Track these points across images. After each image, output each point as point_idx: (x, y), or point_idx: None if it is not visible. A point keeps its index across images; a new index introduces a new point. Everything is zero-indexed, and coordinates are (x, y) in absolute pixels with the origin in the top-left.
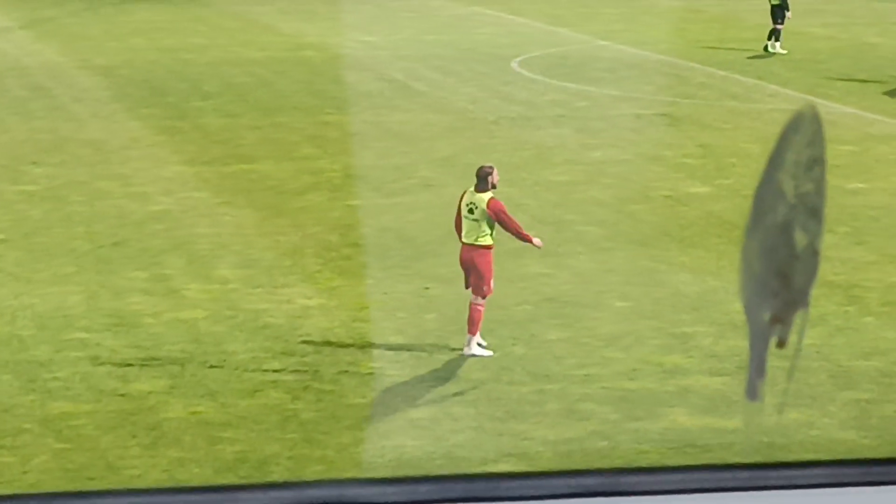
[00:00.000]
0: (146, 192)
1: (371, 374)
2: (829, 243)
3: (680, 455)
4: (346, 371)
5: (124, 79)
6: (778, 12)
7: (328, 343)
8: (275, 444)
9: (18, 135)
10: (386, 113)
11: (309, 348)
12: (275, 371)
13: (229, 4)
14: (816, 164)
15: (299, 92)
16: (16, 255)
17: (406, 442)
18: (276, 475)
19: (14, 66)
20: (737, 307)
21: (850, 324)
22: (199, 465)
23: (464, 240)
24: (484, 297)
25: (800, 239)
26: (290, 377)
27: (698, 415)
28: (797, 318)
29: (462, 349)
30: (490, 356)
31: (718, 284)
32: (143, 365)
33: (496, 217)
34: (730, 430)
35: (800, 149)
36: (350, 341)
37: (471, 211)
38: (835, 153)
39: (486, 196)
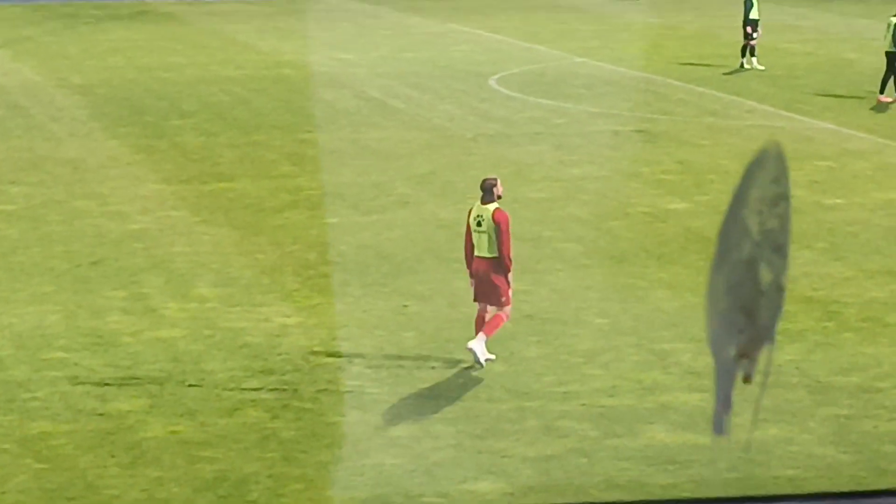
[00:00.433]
0: (124, 210)
1: (350, 392)
2: (808, 259)
3: (660, 472)
4: (325, 389)
5: (102, 97)
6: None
7: (307, 361)
8: (254, 462)
9: None
10: (363, 130)
11: (288, 367)
12: (254, 390)
13: (207, 23)
14: (781, 200)
15: (277, 110)
16: None
17: (385, 460)
18: (256, 494)
19: None
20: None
21: (828, 339)
22: (179, 484)
23: (476, 253)
24: (504, 307)
25: (765, 275)
26: (269, 396)
27: (678, 431)
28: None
29: (468, 361)
30: (482, 368)
31: (697, 301)
32: (121, 384)
33: (498, 226)
34: (709, 447)
35: (764, 185)
36: (329, 359)
37: (479, 224)
38: (812, 169)
39: (492, 207)
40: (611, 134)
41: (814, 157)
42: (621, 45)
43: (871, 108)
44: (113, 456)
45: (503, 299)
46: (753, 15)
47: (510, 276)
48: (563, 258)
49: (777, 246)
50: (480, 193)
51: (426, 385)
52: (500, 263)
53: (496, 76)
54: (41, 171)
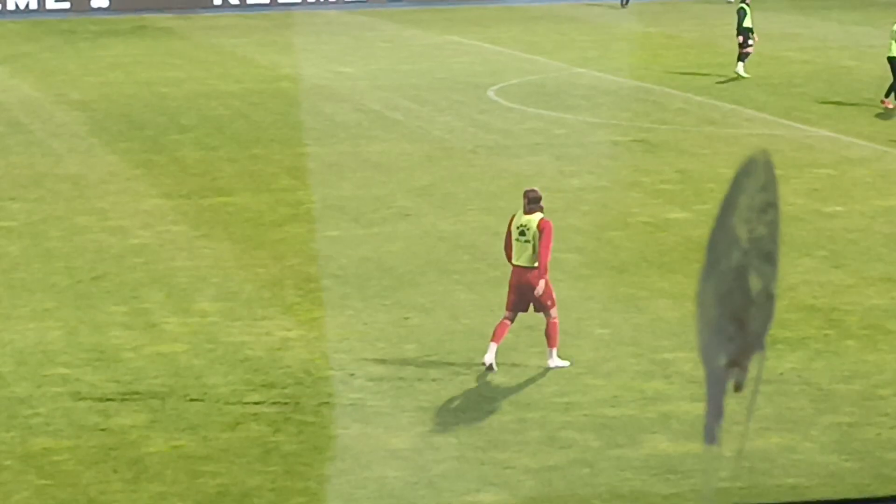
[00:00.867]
0: (124, 226)
1: (352, 405)
2: (808, 267)
3: (662, 482)
4: (327, 402)
5: (101, 113)
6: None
7: (308, 374)
8: (256, 476)
9: None
10: (363, 143)
11: (289, 380)
12: (255, 403)
13: (205, 37)
14: (770, 208)
15: (276, 123)
16: None
17: (388, 473)
18: None
19: None
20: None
21: (830, 347)
22: (182, 499)
23: (516, 263)
24: (552, 310)
25: (754, 283)
26: (270, 409)
27: (680, 441)
28: (753, 362)
29: (482, 365)
30: (567, 366)
31: None
32: (123, 399)
33: (542, 232)
34: (707, 456)
35: (753, 193)
36: (330, 372)
37: (522, 233)
38: (812, 176)
39: (537, 217)
40: (610, 144)
41: (813, 165)
42: (620, 54)
43: (877, 115)
44: (115, 471)
45: (549, 302)
46: (747, 24)
47: (543, 279)
48: (564, 269)
49: (766, 254)
50: (524, 202)
51: (428, 397)
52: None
53: (495, 87)
54: (41, 187)
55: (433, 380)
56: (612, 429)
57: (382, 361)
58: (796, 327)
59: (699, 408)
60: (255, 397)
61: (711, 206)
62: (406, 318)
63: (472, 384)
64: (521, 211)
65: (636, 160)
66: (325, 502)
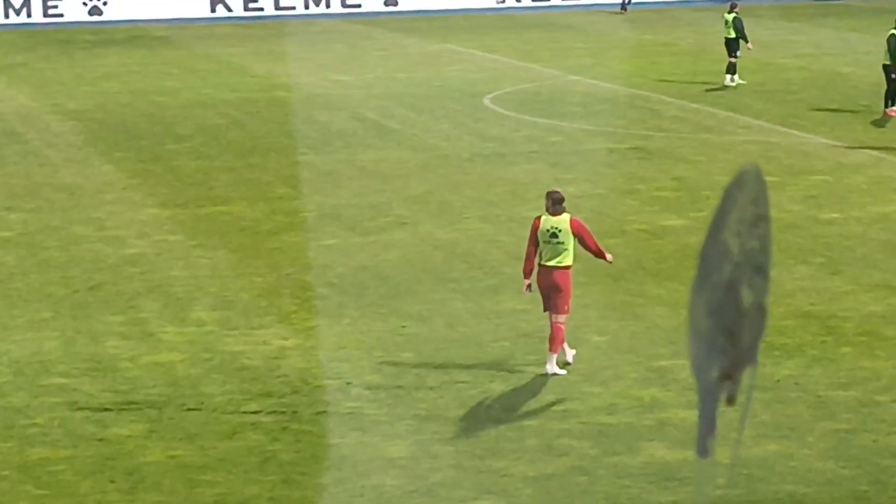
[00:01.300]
0: (121, 235)
1: (349, 413)
2: (805, 274)
3: (660, 489)
4: (325, 411)
5: (97, 123)
6: (733, 45)
7: (306, 383)
8: (254, 485)
9: None
10: (359, 152)
11: (287, 389)
12: (253, 413)
13: (201, 46)
14: (761, 221)
15: (272, 132)
16: None
17: (385, 481)
18: None
19: None
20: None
21: (827, 354)
22: None
23: (545, 263)
24: (566, 315)
25: (746, 296)
26: (268, 418)
27: (677, 448)
28: (746, 375)
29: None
30: (565, 374)
31: None
32: (120, 409)
33: (580, 234)
34: (709, 463)
35: (744, 206)
36: (327, 381)
37: (554, 235)
38: (808, 183)
39: (567, 217)
40: (606, 152)
41: (809, 172)
42: (615, 62)
43: (872, 122)
44: (113, 481)
45: (566, 307)
46: (730, 34)
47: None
48: None
49: (758, 267)
50: (548, 205)
51: (425, 406)
52: (571, 272)
53: (491, 95)
54: (38, 197)
55: (430, 388)
56: (610, 436)
57: (379, 370)
58: (793, 334)
59: (696, 415)
60: (253, 406)
61: (708, 214)
62: (403, 327)
63: (470, 392)
64: (545, 214)
65: (632, 168)
66: None
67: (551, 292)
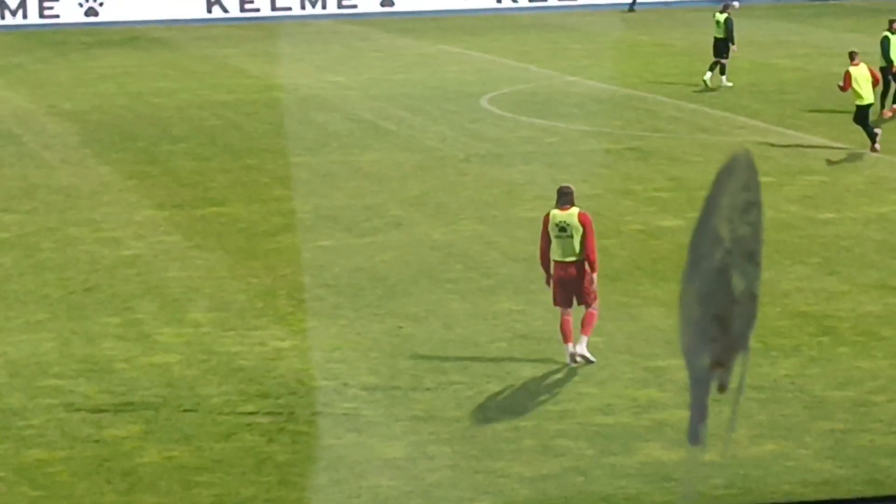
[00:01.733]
0: (117, 237)
1: (346, 414)
2: (801, 274)
3: (656, 489)
4: (321, 412)
5: (93, 124)
6: (722, 45)
7: (302, 384)
8: (251, 487)
9: None
10: (356, 153)
11: (283, 390)
12: (249, 414)
13: (197, 48)
14: (752, 207)
15: (269, 134)
16: None
17: (382, 482)
18: None
19: None
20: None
21: (823, 354)
22: None
23: (560, 259)
24: (594, 303)
25: (737, 283)
26: (264, 419)
27: (674, 448)
28: (737, 362)
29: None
30: (594, 361)
31: None
32: (117, 410)
33: (585, 227)
34: (705, 463)
35: (735, 193)
36: (324, 382)
37: (563, 229)
38: (805, 183)
39: (575, 211)
40: (603, 152)
41: (806, 172)
42: (612, 63)
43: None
44: (109, 482)
45: (592, 296)
46: (719, 35)
47: (595, 274)
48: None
49: (749, 253)
50: (557, 199)
51: (422, 406)
52: (585, 264)
53: (487, 96)
54: (34, 198)
55: (427, 389)
56: (606, 437)
57: (376, 371)
58: (790, 334)
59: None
60: (249, 407)
61: None
62: (399, 328)
63: (466, 393)
64: (554, 209)
65: (628, 168)
66: None
67: (572, 286)
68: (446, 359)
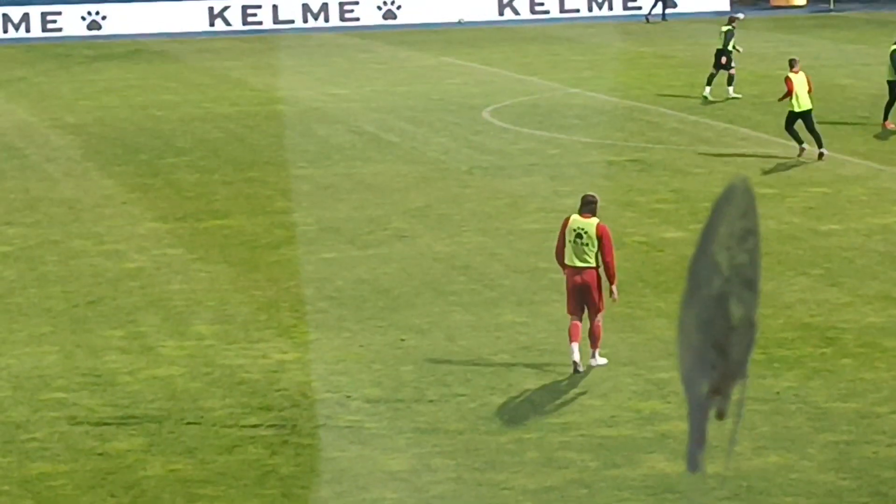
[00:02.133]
0: (120, 249)
1: (349, 427)
2: (804, 285)
3: (660, 501)
4: (324, 425)
5: (96, 137)
6: (721, 57)
7: (305, 397)
8: (254, 499)
9: None
10: (358, 165)
11: (286, 403)
12: (252, 426)
13: (200, 60)
14: (750, 235)
15: (271, 146)
16: None
17: (386, 494)
18: None
19: None
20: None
21: (826, 366)
22: None
23: (573, 264)
24: (602, 312)
25: (736, 311)
26: (268, 432)
27: (678, 460)
28: (736, 390)
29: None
30: (605, 363)
31: None
32: (120, 423)
33: (601, 239)
34: (709, 476)
35: (733, 220)
36: (327, 395)
37: (579, 236)
38: (807, 195)
39: (594, 221)
40: (605, 164)
41: (808, 184)
42: (613, 74)
43: (875, 136)
44: (113, 496)
45: (601, 304)
46: (728, 46)
47: (614, 285)
48: (560, 289)
49: (747, 281)
50: (579, 206)
51: (425, 419)
52: (599, 271)
53: (490, 108)
54: (37, 211)
55: (430, 401)
56: (610, 449)
57: (379, 383)
58: (793, 346)
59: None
60: (252, 420)
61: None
62: (402, 340)
63: (469, 405)
64: (576, 214)
65: (631, 180)
66: None
67: (583, 292)
68: (449, 371)
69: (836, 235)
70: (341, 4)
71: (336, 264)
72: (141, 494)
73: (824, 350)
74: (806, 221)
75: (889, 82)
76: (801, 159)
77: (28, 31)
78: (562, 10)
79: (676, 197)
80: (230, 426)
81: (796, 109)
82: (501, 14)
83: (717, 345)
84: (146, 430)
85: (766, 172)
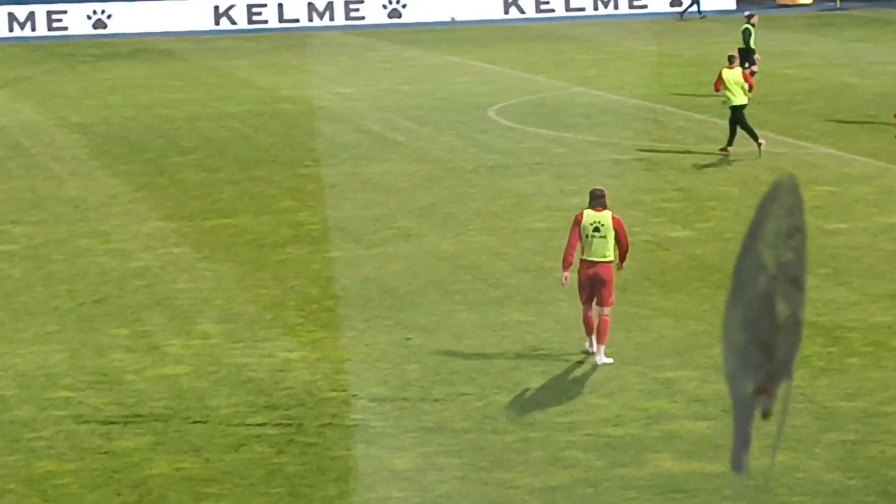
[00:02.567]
0: (126, 248)
1: (355, 425)
2: (811, 284)
3: (667, 501)
4: (330, 423)
5: (102, 136)
6: (742, 56)
7: (311, 396)
8: (260, 498)
9: None
10: (364, 164)
11: (292, 401)
12: (258, 425)
13: (206, 59)
14: (797, 232)
15: (277, 145)
16: None
17: (391, 493)
18: None
19: None
20: (719, 350)
21: (833, 365)
22: None
23: (590, 258)
24: (611, 307)
25: (782, 309)
26: (273, 431)
27: (684, 460)
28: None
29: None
30: (612, 363)
31: (701, 328)
32: (126, 422)
33: (618, 229)
34: (716, 475)
35: (779, 218)
36: (333, 393)
37: (597, 230)
38: (814, 194)
39: (609, 213)
40: (611, 163)
41: (815, 183)
42: (619, 73)
43: (878, 132)
44: (119, 494)
45: (611, 298)
46: (751, 44)
47: (624, 263)
48: (566, 289)
49: (793, 279)
50: (589, 201)
51: (430, 418)
52: (613, 266)
53: (495, 107)
54: (43, 210)
55: (436, 400)
56: (616, 448)
57: (385, 382)
58: None
59: (703, 426)
60: (258, 419)
61: (713, 225)
62: (408, 339)
63: (475, 404)
64: (587, 209)
65: (637, 179)
66: None
67: (596, 285)
68: (455, 370)
69: (843, 235)
70: (347, 3)
71: (342, 263)
72: (147, 493)
73: (831, 349)
74: (813, 220)
75: None
76: (760, 149)
77: (34, 29)
78: (567, 9)
79: (682, 196)
80: (236, 425)
81: (732, 104)
82: (507, 13)
83: (763, 344)
84: (152, 428)
85: (772, 171)
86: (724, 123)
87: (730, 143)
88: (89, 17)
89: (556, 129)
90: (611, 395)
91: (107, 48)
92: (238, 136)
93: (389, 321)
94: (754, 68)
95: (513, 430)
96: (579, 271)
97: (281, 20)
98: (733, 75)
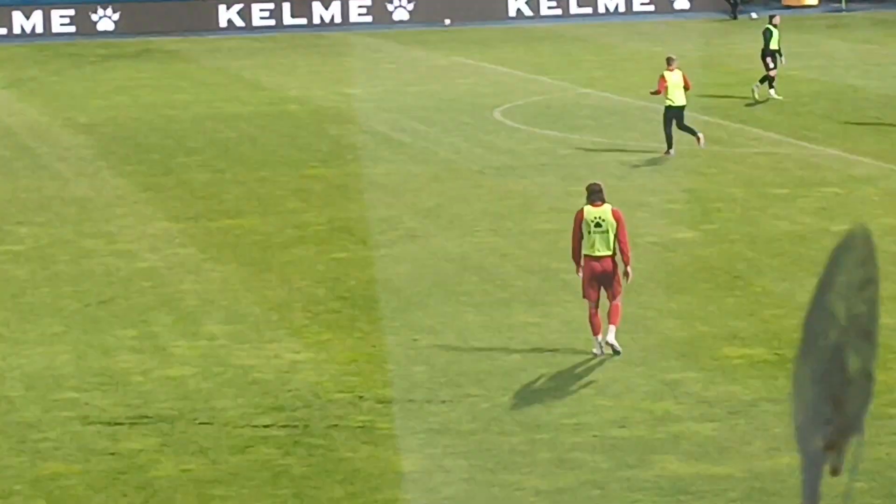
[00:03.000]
0: (132, 249)
1: (361, 427)
2: (814, 286)
3: (672, 502)
4: (336, 425)
5: (108, 136)
6: (766, 56)
7: (317, 397)
8: (266, 499)
9: (3, 195)
10: (370, 165)
11: (298, 403)
12: (265, 426)
13: (212, 60)
14: (869, 284)
15: (283, 146)
16: (3, 316)
17: (398, 495)
18: None
19: None
20: (725, 352)
21: None
22: None
23: (595, 253)
24: (620, 296)
25: (853, 363)
26: (280, 432)
27: (690, 461)
28: (851, 445)
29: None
30: (620, 351)
31: (707, 330)
32: (132, 423)
33: (618, 223)
34: (722, 477)
35: (851, 269)
36: (339, 395)
37: (598, 225)
38: (819, 195)
39: (608, 207)
40: (617, 164)
41: (820, 184)
42: (626, 74)
43: (883, 133)
44: (125, 495)
45: (619, 289)
46: (773, 45)
47: (629, 266)
48: (572, 289)
49: (865, 332)
50: (587, 196)
51: (437, 419)
52: (615, 261)
53: (501, 108)
54: (49, 210)
55: (442, 402)
56: (622, 450)
57: (391, 384)
58: None
59: (709, 428)
60: (265, 420)
61: (719, 226)
62: (415, 340)
63: (482, 406)
64: (587, 205)
65: (643, 180)
66: None
67: (603, 280)
68: (462, 371)
69: None
70: (353, 4)
71: (348, 264)
72: (153, 494)
73: None
74: (818, 222)
75: None
76: (665, 156)
77: (40, 30)
78: (573, 10)
79: (688, 197)
80: (242, 426)
81: (673, 104)
82: (513, 14)
83: (833, 398)
84: (158, 429)
85: (777, 173)
86: (730, 124)
87: (693, 133)
88: (96, 18)
89: (562, 130)
90: (617, 396)
91: (113, 48)
92: (244, 137)
93: (396, 322)
94: (772, 73)
95: (519, 431)
96: (584, 268)
97: (287, 21)
98: (674, 77)
